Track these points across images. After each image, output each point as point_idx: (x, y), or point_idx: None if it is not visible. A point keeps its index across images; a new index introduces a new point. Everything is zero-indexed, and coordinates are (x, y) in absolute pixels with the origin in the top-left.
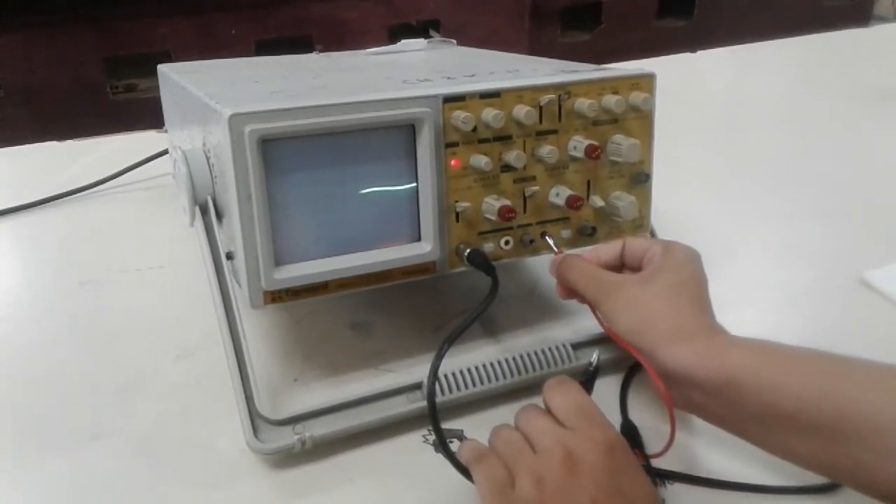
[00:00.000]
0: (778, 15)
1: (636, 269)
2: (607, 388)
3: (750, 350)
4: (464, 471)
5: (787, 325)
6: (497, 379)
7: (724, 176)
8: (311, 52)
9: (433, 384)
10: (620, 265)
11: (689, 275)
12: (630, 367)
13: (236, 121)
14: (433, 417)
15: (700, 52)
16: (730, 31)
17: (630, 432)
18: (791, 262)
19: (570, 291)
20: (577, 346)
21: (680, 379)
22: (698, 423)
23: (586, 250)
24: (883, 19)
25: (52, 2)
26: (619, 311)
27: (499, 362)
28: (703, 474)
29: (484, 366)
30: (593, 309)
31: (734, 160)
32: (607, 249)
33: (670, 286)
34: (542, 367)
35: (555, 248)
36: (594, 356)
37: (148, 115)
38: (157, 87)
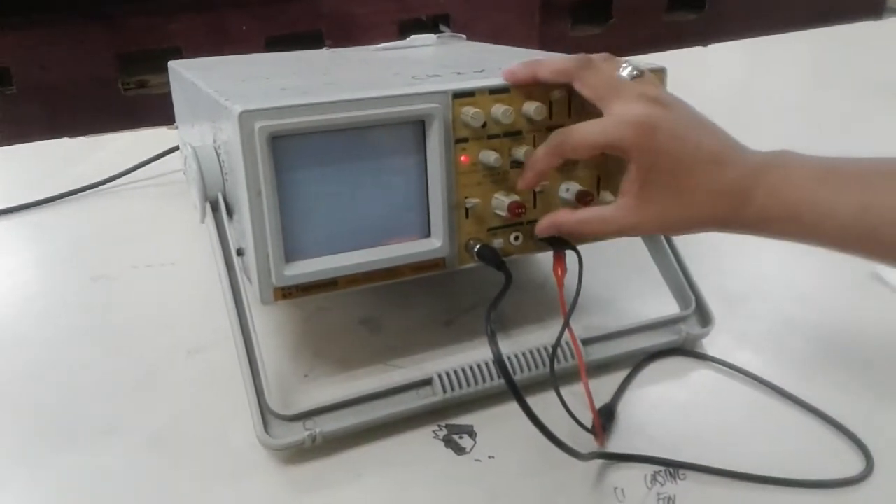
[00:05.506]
0: (789, 7)
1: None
2: (611, 380)
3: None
4: (545, 431)
5: (799, 320)
6: None
7: None
8: (321, 47)
9: (500, 355)
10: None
11: (668, 147)
12: (636, 365)
13: (246, 117)
14: (512, 387)
15: (711, 46)
16: (741, 24)
17: (606, 414)
18: (803, 257)
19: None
20: (587, 342)
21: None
22: (710, 417)
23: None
24: None
25: None
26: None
27: (508, 358)
28: (717, 466)
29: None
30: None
31: None
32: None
33: (673, 176)
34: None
35: None
36: None
37: (159, 111)
38: (168, 84)
